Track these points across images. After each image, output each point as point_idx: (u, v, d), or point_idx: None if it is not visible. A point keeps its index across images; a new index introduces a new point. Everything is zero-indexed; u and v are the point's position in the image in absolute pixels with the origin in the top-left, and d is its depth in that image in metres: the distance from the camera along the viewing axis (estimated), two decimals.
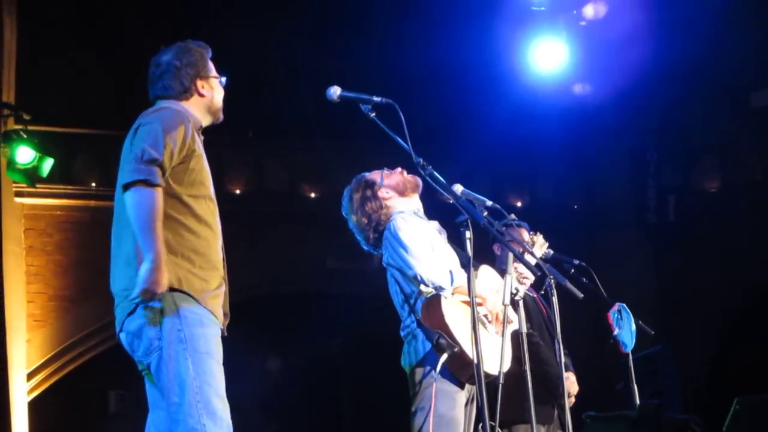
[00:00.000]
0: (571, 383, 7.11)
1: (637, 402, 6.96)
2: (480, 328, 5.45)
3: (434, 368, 5.52)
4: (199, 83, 4.89)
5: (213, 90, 4.92)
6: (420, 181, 5.93)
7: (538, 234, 7.00)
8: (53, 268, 13.18)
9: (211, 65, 4.96)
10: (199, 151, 4.72)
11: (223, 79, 5.00)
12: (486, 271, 5.93)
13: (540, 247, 6.91)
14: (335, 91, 4.96)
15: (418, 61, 14.02)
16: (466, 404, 5.71)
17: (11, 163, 11.70)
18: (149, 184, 4.40)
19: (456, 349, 5.44)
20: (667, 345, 9.64)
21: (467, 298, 5.31)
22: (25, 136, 11.69)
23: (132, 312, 4.51)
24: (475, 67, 13.92)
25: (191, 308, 4.47)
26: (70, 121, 13.64)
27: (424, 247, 5.66)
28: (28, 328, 12.77)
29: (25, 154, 11.69)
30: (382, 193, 5.94)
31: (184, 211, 4.59)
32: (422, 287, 5.63)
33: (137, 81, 14.78)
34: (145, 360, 4.54)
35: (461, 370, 5.53)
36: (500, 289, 5.74)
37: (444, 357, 5.43)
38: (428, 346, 5.51)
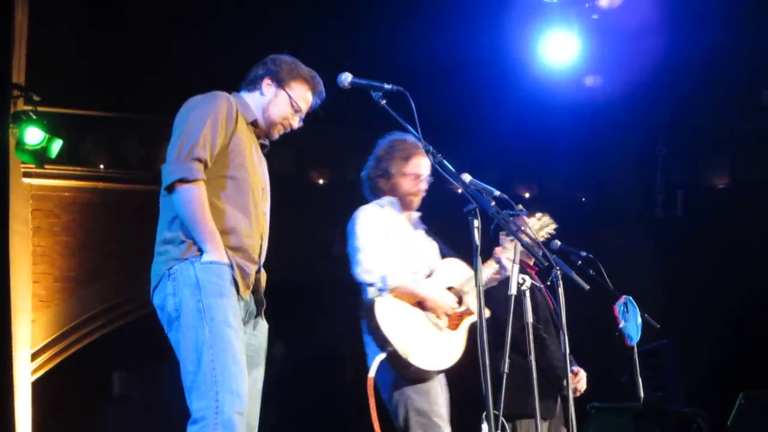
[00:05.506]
0: (578, 380, 7.11)
1: (642, 395, 6.96)
2: (429, 325, 5.75)
3: (389, 372, 5.72)
4: (266, 81, 4.94)
5: (276, 100, 4.95)
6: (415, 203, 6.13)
7: (545, 215, 6.97)
8: (60, 249, 13.19)
9: (298, 88, 4.98)
10: (241, 134, 4.75)
11: (298, 114, 5.01)
12: (446, 267, 6.05)
13: (543, 227, 6.88)
14: (346, 78, 4.93)
15: (429, 53, 14.00)
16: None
17: (20, 144, 11.71)
18: (187, 181, 4.47)
19: (390, 349, 5.59)
20: (672, 339, 9.64)
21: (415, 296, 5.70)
22: (34, 117, 11.69)
23: (156, 287, 4.57)
24: (486, 58, 13.89)
25: (211, 279, 4.47)
26: (80, 103, 13.64)
27: (370, 245, 5.84)
28: (34, 309, 12.79)
29: (34, 135, 11.69)
30: (395, 176, 6.05)
31: (216, 191, 4.62)
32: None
33: (147, 64, 14.75)
34: (168, 331, 4.57)
35: (404, 370, 5.69)
36: (465, 281, 5.87)
37: (382, 355, 5.61)
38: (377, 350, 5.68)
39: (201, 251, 4.49)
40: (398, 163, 6.02)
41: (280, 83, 4.94)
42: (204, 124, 4.56)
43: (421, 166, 6.11)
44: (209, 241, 4.46)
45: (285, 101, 4.96)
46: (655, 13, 12.82)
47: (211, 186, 4.59)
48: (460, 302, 5.97)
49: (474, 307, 5.85)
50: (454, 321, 5.91)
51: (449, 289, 5.97)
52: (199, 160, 4.52)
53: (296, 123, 5.03)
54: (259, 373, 4.81)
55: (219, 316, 4.43)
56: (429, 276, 5.95)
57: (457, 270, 6.07)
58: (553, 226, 6.87)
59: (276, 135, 5.02)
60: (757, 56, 14.07)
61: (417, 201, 6.11)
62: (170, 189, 4.50)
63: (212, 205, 4.56)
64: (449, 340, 5.82)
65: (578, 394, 7.23)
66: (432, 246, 6.13)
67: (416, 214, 6.21)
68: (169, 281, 4.50)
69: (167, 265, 4.53)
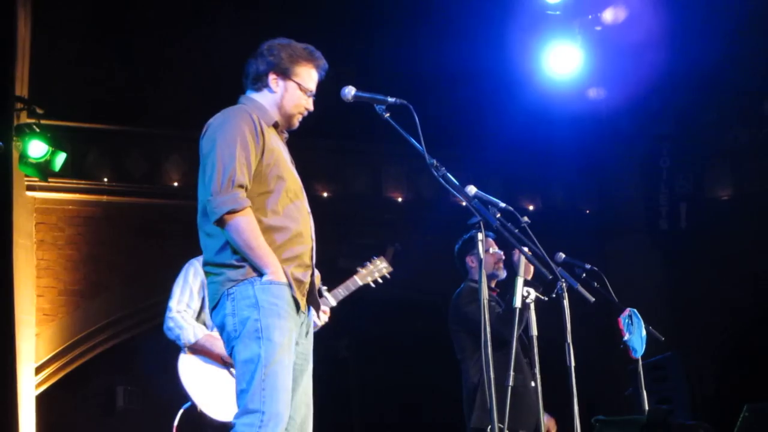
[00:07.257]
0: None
1: (646, 408, 6.95)
2: (230, 379, 6.07)
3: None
4: (272, 76, 4.85)
5: (287, 93, 4.87)
6: None
7: (380, 259, 7.02)
8: (64, 262, 13.15)
9: (302, 72, 4.89)
10: (272, 145, 4.73)
11: (310, 96, 4.93)
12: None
13: (370, 273, 6.95)
14: (350, 91, 4.93)
15: (432, 65, 14.00)
16: None
17: (23, 157, 11.72)
18: (235, 211, 4.50)
19: (191, 402, 6.18)
20: (676, 351, 9.63)
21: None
22: (37, 130, 11.70)
23: (215, 307, 4.65)
24: (489, 70, 13.89)
25: (270, 299, 4.52)
26: (83, 116, 13.61)
27: (176, 304, 6.34)
28: (38, 322, 12.75)
29: (37, 148, 11.70)
30: None
31: (261, 208, 4.62)
32: None
33: (151, 77, 14.73)
34: (227, 350, 4.65)
35: (203, 422, 6.15)
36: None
37: (186, 405, 6.14)
38: None
39: (260, 273, 4.53)
40: None
41: (286, 74, 4.86)
42: (234, 148, 4.55)
43: None
44: (268, 264, 4.51)
45: (296, 90, 4.88)
46: (658, 25, 12.84)
47: (256, 204, 4.60)
48: None
49: None
50: None
51: None
52: (241, 186, 4.53)
53: (311, 105, 4.97)
54: (309, 378, 4.83)
55: (276, 338, 4.49)
56: None
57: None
58: (385, 271, 6.93)
59: (296, 124, 5.00)
60: (759, 69, 14.09)
61: None
62: (220, 222, 4.52)
63: (261, 224, 4.59)
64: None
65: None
66: None
67: None
68: (228, 301, 4.55)
69: (225, 286, 4.57)
